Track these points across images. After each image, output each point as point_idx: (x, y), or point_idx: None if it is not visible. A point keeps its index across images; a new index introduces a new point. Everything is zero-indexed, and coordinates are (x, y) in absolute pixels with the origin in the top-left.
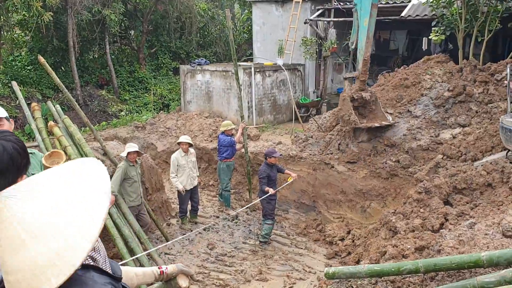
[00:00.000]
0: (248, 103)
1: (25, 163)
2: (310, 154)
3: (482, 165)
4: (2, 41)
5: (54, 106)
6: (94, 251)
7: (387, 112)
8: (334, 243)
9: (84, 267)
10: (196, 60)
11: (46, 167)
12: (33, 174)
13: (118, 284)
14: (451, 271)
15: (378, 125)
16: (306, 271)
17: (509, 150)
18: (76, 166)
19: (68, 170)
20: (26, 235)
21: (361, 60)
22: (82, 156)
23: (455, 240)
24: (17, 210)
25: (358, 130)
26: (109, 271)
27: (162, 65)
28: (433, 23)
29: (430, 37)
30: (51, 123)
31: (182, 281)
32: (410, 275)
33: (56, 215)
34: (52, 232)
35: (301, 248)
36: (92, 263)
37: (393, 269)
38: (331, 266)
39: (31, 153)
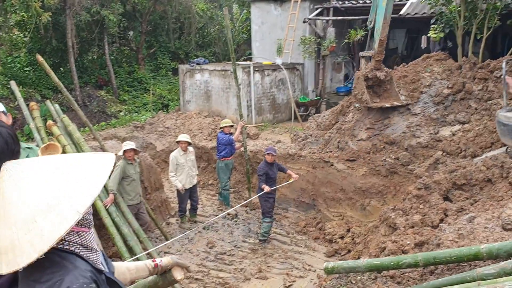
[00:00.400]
0: (247, 102)
1: (18, 150)
2: (310, 152)
3: (481, 161)
4: (0, 42)
5: (52, 105)
6: (80, 237)
7: (400, 94)
8: (334, 241)
9: (69, 252)
10: (195, 59)
11: None
12: None
13: (100, 276)
14: (450, 265)
15: (389, 105)
16: (306, 269)
17: (508, 146)
18: (82, 161)
19: (70, 163)
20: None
21: (378, 40)
22: None
23: (454, 234)
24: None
25: (358, 127)
26: (92, 261)
27: (161, 65)
28: (432, 21)
29: (429, 35)
30: (49, 122)
31: (177, 273)
32: (409, 270)
33: (29, 208)
34: (18, 223)
35: (301, 246)
36: (77, 251)
37: (392, 263)
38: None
39: (29, 147)
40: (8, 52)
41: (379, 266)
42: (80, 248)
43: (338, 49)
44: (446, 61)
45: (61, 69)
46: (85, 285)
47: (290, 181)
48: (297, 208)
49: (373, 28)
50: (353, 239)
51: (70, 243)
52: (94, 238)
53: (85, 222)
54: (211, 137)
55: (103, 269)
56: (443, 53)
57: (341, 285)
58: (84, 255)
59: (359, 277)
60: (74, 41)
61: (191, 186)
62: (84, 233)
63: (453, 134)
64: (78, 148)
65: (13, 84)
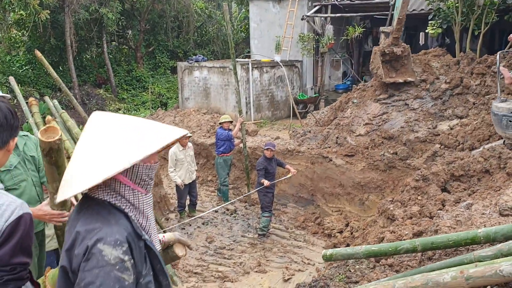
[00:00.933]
0: (246, 99)
1: (17, 126)
2: (308, 148)
3: (479, 152)
4: None
5: (51, 101)
6: (134, 196)
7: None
8: (332, 235)
9: (119, 210)
10: (194, 56)
11: (42, 142)
12: (31, 156)
13: (138, 241)
14: (448, 250)
15: (402, 81)
16: (305, 263)
17: (507, 138)
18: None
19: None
20: (77, 151)
21: (396, 18)
22: None
23: (452, 220)
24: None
25: (356, 122)
26: (141, 224)
27: (159, 64)
28: (430, 17)
29: (427, 31)
30: (48, 117)
31: (179, 250)
32: (408, 258)
33: (93, 151)
34: (80, 161)
35: (300, 241)
36: (127, 210)
37: (390, 249)
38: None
39: (25, 135)
40: (6, 51)
41: (377, 252)
42: (131, 208)
43: (336, 47)
44: (444, 57)
45: (60, 67)
46: (118, 242)
47: (288, 176)
48: (296, 204)
49: (393, 6)
50: (351, 233)
51: (122, 201)
52: (149, 204)
53: (142, 182)
54: (210, 133)
55: (144, 236)
56: (441, 49)
57: (339, 274)
58: (133, 216)
59: (357, 266)
60: (73, 40)
61: (190, 181)
62: (139, 193)
63: (451, 128)
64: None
65: (12, 80)
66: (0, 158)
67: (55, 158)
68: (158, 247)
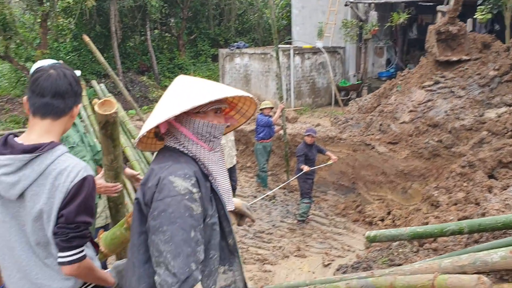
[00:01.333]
0: (286, 86)
1: (80, 92)
2: (350, 135)
3: None
4: (48, 28)
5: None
6: (197, 149)
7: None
8: (373, 223)
9: (187, 155)
10: (235, 43)
11: (99, 115)
12: (84, 133)
13: (205, 181)
14: (496, 233)
15: (456, 59)
16: (345, 249)
17: None
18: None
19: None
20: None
21: None
22: (125, 134)
23: (500, 203)
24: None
25: (400, 109)
26: (211, 172)
27: (201, 52)
28: (479, 2)
29: (475, 17)
30: (95, 100)
31: (232, 218)
32: (452, 243)
33: (164, 101)
34: (158, 108)
35: (340, 228)
36: (196, 157)
37: (436, 231)
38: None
39: None
40: (54, 38)
41: (423, 233)
42: (196, 158)
43: (380, 33)
44: (494, 43)
45: (105, 54)
46: (187, 175)
47: (329, 163)
48: (336, 191)
49: None
50: (393, 222)
51: (188, 149)
52: (214, 161)
53: (202, 137)
54: (249, 120)
55: (211, 178)
56: (489, 36)
57: (382, 257)
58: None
59: (401, 250)
60: (117, 27)
61: (231, 166)
62: (201, 147)
63: (499, 116)
64: (123, 126)
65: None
66: (65, 123)
67: (110, 131)
68: (230, 207)
